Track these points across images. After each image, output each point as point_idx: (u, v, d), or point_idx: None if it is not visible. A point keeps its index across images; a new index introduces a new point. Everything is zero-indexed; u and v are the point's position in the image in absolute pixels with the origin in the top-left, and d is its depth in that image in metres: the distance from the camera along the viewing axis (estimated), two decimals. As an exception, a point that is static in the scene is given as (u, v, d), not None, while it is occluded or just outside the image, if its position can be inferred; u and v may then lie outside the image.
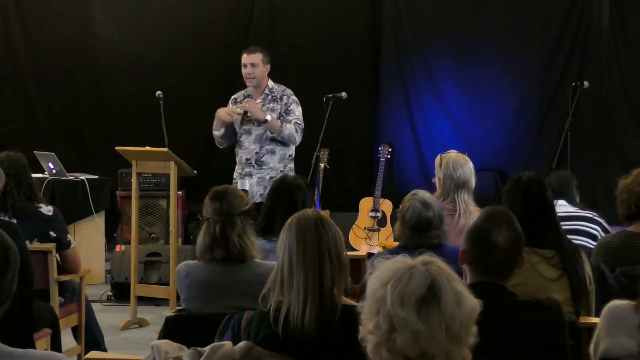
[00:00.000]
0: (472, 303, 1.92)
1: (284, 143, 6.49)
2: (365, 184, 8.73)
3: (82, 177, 7.85)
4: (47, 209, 4.91)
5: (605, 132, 8.54)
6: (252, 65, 6.57)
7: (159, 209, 8.23)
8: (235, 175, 6.60)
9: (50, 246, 4.83)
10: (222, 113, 6.51)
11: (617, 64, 8.51)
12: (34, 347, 4.00)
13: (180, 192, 7.88)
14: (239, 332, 2.80)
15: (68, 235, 4.99)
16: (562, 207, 4.70)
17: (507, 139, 8.76)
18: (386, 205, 7.99)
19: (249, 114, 6.43)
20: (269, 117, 6.38)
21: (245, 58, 6.62)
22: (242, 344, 2.59)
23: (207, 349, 2.52)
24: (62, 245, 4.93)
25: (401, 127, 8.98)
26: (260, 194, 6.33)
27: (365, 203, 8.08)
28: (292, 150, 6.58)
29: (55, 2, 9.37)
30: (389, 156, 8.17)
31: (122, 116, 9.26)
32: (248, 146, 6.50)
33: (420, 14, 8.95)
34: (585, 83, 7.67)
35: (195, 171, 6.48)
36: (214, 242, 3.51)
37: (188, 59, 9.24)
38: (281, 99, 6.53)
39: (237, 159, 6.60)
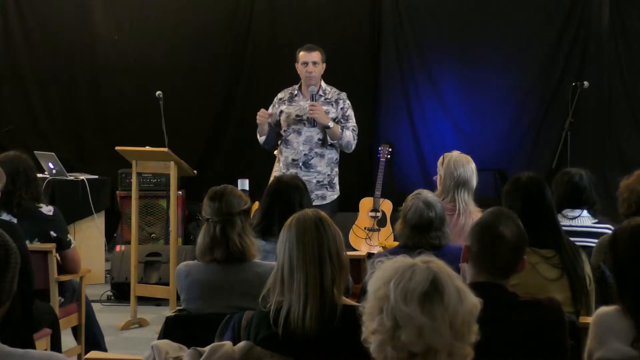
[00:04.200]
0: (473, 300, 1.94)
1: (333, 146, 6.30)
2: (365, 184, 8.72)
3: (82, 177, 7.85)
4: (47, 209, 4.91)
5: (605, 132, 8.54)
6: (314, 63, 6.29)
7: (159, 209, 8.23)
8: (277, 174, 6.26)
9: (50, 246, 4.83)
10: (259, 119, 6.29)
11: (617, 64, 8.51)
12: (34, 347, 4.00)
13: (180, 192, 7.88)
14: (239, 332, 2.80)
15: (68, 235, 4.99)
16: (583, 219, 4.51)
17: (507, 139, 8.76)
18: (386, 205, 7.99)
19: (304, 115, 6.26)
20: (331, 124, 6.17)
21: (306, 56, 6.33)
22: (242, 344, 2.59)
23: (207, 349, 2.52)
24: (63, 245, 4.93)
25: (401, 127, 8.99)
26: None
27: (365, 203, 8.07)
28: (338, 154, 6.38)
29: (55, 2, 9.37)
30: (389, 156, 8.16)
31: (122, 116, 9.26)
32: (297, 147, 6.26)
33: (420, 14, 8.95)
34: (585, 83, 7.67)
35: (195, 171, 6.47)
36: (214, 243, 3.51)
37: (188, 59, 9.24)
38: (337, 102, 6.32)
39: (282, 158, 6.35)
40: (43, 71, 9.36)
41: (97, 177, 8.03)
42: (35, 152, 7.72)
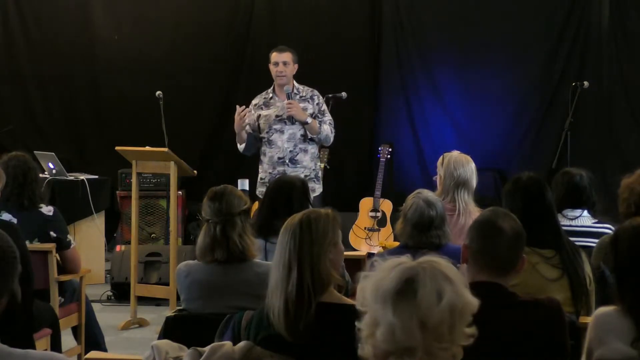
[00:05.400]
0: (459, 301, 1.90)
1: (313, 141, 6.50)
2: (365, 184, 8.73)
3: (82, 177, 7.85)
4: (47, 209, 4.92)
5: (605, 132, 8.54)
6: (284, 63, 6.51)
7: (159, 209, 8.23)
8: (262, 175, 6.48)
9: (50, 246, 4.83)
10: (236, 125, 6.39)
11: (617, 64, 8.51)
12: (34, 347, 4.00)
13: (180, 192, 7.88)
14: (239, 332, 2.80)
15: (68, 236, 5.00)
16: (583, 219, 4.49)
17: (507, 139, 8.76)
18: (386, 205, 7.99)
19: (284, 115, 6.41)
20: (309, 119, 6.38)
21: (277, 56, 6.56)
22: (242, 344, 2.59)
23: (207, 349, 2.52)
24: (63, 245, 4.93)
25: (401, 127, 8.98)
26: None
27: (365, 203, 8.07)
28: (317, 149, 6.62)
29: (55, 1, 9.37)
30: (389, 156, 8.16)
31: (122, 116, 9.26)
32: (281, 145, 6.43)
33: (420, 13, 8.96)
34: (585, 83, 7.67)
35: (195, 171, 6.48)
36: (214, 243, 3.51)
37: (188, 59, 9.25)
38: (312, 99, 6.52)
39: (266, 159, 6.48)
40: (43, 71, 9.36)
41: (97, 177, 8.04)
42: (35, 152, 7.72)
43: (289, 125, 6.43)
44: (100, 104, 9.38)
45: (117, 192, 8.31)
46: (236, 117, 6.34)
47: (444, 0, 8.90)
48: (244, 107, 6.37)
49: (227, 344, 2.57)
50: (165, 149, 6.31)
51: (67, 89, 9.39)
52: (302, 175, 6.33)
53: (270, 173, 6.42)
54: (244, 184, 6.54)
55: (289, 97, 6.41)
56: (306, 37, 9.03)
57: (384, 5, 9.04)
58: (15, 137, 9.01)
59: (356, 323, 1.97)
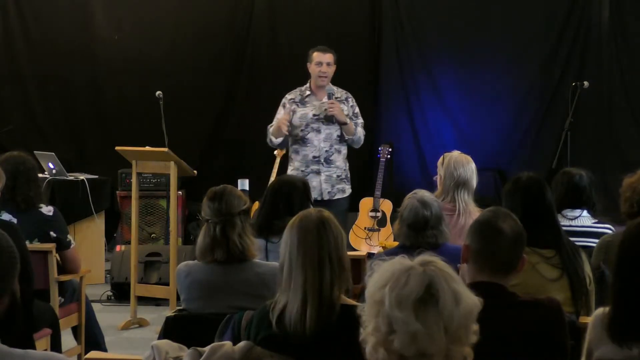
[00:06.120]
0: (471, 302, 1.93)
1: (345, 142, 6.63)
2: (365, 184, 8.72)
3: (82, 177, 7.85)
4: (47, 209, 4.92)
5: (605, 132, 8.54)
6: (328, 64, 6.65)
7: (159, 209, 8.23)
8: (294, 173, 6.50)
9: (50, 246, 4.83)
10: (281, 121, 6.49)
11: (617, 64, 8.51)
12: (34, 347, 4.00)
13: (180, 192, 7.88)
14: (239, 332, 2.80)
15: (68, 236, 5.00)
16: (583, 219, 4.50)
17: (507, 139, 8.76)
18: (386, 205, 7.99)
19: (322, 114, 6.51)
20: (348, 120, 6.51)
21: (321, 56, 6.67)
22: (242, 344, 2.58)
23: (207, 349, 2.52)
24: (63, 245, 4.93)
25: (401, 127, 8.98)
26: (329, 192, 6.50)
27: (365, 203, 8.07)
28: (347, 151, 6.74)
29: (55, 1, 9.36)
30: (389, 156, 8.16)
31: (122, 116, 9.26)
32: (317, 144, 6.53)
33: (420, 14, 8.95)
34: (585, 83, 7.66)
35: (195, 171, 6.48)
36: (214, 243, 3.51)
37: (188, 59, 9.24)
38: (347, 101, 6.65)
39: (299, 157, 6.57)
40: (43, 71, 9.35)
41: (97, 177, 8.03)
42: (35, 152, 7.70)
43: (326, 125, 6.54)
44: (100, 104, 9.38)
45: (117, 192, 8.30)
46: (287, 115, 6.45)
47: (444, 0, 8.90)
48: (287, 117, 6.49)
49: (227, 344, 2.57)
50: (165, 149, 6.31)
51: (67, 89, 9.38)
52: (335, 176, 6.44)
53: (302, 171, 6.51)
54: (244, 184, 6.56)
55: (330, 97, 6.53)
56: (306, 37, 9.02)
57: (383, 5, 9.03)
58: (15, 137, 9.00)
59: (362, 328, 1.96)
